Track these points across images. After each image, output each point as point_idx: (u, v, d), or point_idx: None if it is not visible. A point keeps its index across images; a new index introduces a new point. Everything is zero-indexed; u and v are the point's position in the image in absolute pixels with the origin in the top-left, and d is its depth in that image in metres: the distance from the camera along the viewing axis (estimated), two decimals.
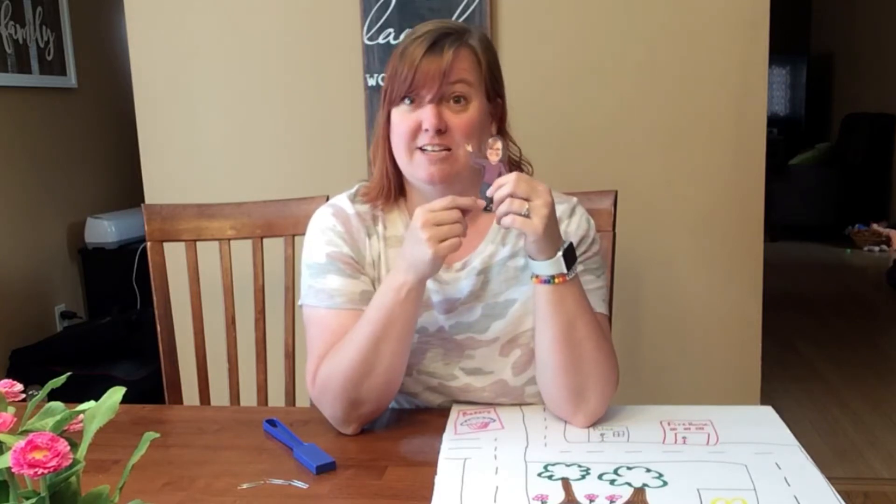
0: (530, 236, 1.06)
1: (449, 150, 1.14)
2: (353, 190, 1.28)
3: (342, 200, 1.27)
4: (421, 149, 1.15)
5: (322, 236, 1.23)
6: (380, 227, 1.24)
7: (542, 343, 1.14)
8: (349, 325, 1.15)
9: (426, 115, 1.13)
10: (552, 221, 1.06)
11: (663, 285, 2.20)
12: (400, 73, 1.15)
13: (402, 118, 1.16)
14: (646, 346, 2.23)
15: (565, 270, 1.09)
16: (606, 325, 1.23)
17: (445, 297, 1.22)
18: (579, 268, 1.18)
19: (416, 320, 1.15)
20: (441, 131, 1.13)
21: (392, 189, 1.24)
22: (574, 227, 1.22)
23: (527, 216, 1.04)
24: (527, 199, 1.04)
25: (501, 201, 1.05)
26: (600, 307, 1.21)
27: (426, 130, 1.13)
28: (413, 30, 1.20)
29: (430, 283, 1.20)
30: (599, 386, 1.13)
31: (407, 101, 1.15)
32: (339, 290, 1.19)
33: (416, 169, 1.17)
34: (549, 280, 1.09)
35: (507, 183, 1.04)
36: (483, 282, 1.22)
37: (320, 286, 1.20)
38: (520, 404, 1.24)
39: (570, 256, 1.10)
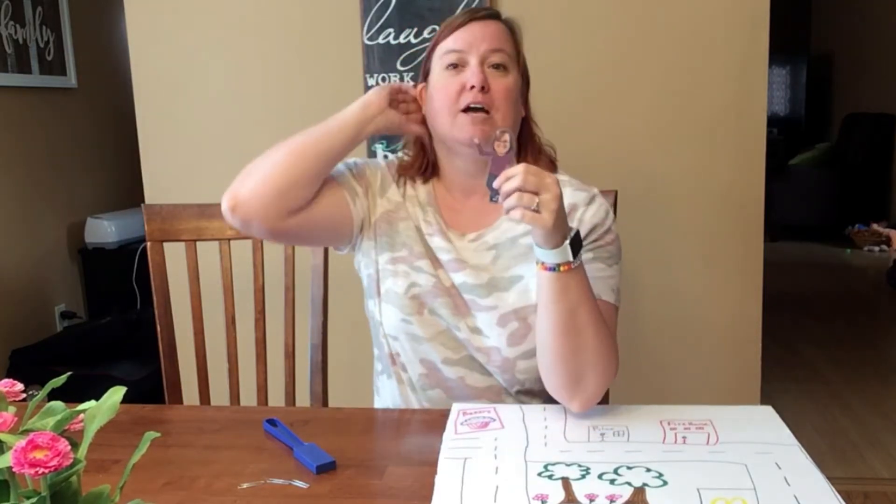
0: (540, 230, 1.06)
1: (487, 113, 1.20)
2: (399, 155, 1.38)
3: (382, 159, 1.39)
4: (464, 110, 1.21)
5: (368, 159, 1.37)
6: (405, 187, 1.34)
7: (544, 328, 1.15)
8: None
9: (472, 72, 1.21)
10: (561, 214, 1.06)
11: (663, 285, 2.20)
12: (446, 42, 1.24)
13: (446, 82, 1.23)
14: (646, 346, 2.23)
15: (571, 259, 1.09)
16: (612, 313, 1.24)
17: (455, 257, 1.27)
18: (590, 255, 1.21)
19: (339, 151, 1.24)
20: (485, 89, 1.20)
21: (426, 166, 1.32)
22: (590, 214, 1.24)
23: (536, 211, 1.04)
24: (536, 193, 1.04)
25: (509, 194, 1.05)
26: (608, 296, 1.22)
27: (471, 88, 1.20)
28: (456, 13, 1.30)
29: (441, 242, 1.27)
30: (598, 373, 1.14)
31: (451, 67, 1.23)
32: (342, 172, 1.30)
33: (458, 130, 1.22)
34: (555, 268, 1.10)
35: (515, 176, 1.04)
36: (494, 256, 1.26)
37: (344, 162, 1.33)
38: (509, 386, 1.26)
39: (576, 244, 1.10)
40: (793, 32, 7.62)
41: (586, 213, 1.24)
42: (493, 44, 1.22)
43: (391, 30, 2.15)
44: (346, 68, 2.19)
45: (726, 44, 2.10)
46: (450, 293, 1.26)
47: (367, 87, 2.17)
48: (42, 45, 3.50)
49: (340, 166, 1.32)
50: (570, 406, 1.15)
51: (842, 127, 6.76)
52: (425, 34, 2.12)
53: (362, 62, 2.17)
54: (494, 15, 1.27)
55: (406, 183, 1.34)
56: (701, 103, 2.12)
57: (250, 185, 1.21)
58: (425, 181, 1.33)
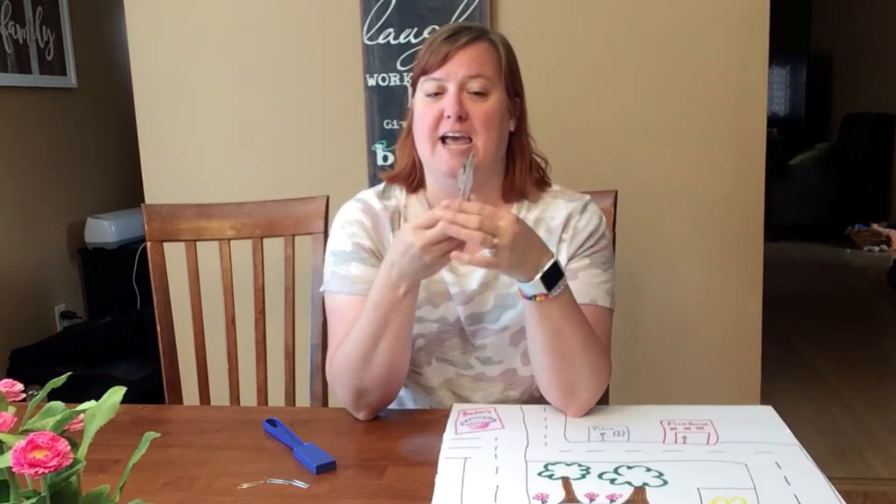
0: (498, 271, 1.09)
1: (469, 140, 1.19)
2: (380, 187, 1.33)
3: (370, 196, 1.31)
4: (443, 139, 1.20)
5: (349, 227, 1.28)
6: (402, 223, 1.28)
7: (533, 347, 1.18)
8: None
9: (448, 102, 1.18)
10: (517, 254, 1.05)
11: (663, 285, 2.20)
12: (427, 65, 1.21)
13: (425, 109, 1.21)
14: (646, 346, 2.23)
15: (545, 292, 1.09)
16: (607, 317, 1.25)
17: (462, 289, 1.25)
18: (586, 262, 1.23)
19: (413, 315, 1.17)
20: (462, 118, 1.18)
21: (416, 178, 1.29)
22: (584, 222, 1.26)
23: (493, 251, 1.04)
24: (492, 236, 1.03)
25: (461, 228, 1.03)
26: (604, 300, 1.24)
27: (448, 117, 1.18)
28: (439, 30, 1.26)
29: (447, 276, 1.25)
30: (590, 383, 1.16)
31: (431, 92, 1.21)
32: (361, 278, 1.23)
33: (437, 161, 1.21)
34: (532, 298, 1.11)
35: (472, 215, 1.03)
36: (495, 272, 1.25)
37: (343, 273, 1.25)
38: (525, 402, 1.26)
39: (553, 275, 1.09)
40: (793, 32, 7.61)
41: (580, 222, 1.26)
42: (472, 69, 1.19)
43: (391, 30, 2.14)
44: (346, 68, 2.19)
45: (726, 44, 2.09)
46: (456, 327, 1.26)
47: (367, 87, 2.17)
48: (42, 45, 3.49)
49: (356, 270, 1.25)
50: (565, 411, 1.18)
51: (842, 127, 6.75)
52: (425, 34, 2.12)
53: (362, 62, 2.17)
54: (478, 35, 1.22)
55: (403, 216, 1.29)
56: (701, 103, 2.12)
57: (374, 401, 1.19)
58: (417, 194, 1.30)
